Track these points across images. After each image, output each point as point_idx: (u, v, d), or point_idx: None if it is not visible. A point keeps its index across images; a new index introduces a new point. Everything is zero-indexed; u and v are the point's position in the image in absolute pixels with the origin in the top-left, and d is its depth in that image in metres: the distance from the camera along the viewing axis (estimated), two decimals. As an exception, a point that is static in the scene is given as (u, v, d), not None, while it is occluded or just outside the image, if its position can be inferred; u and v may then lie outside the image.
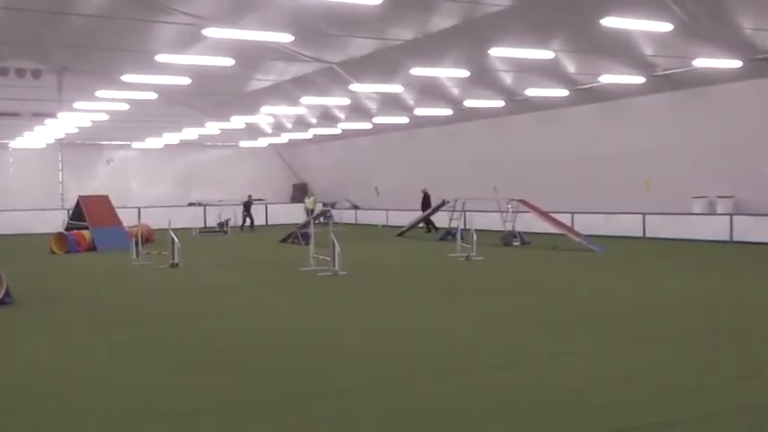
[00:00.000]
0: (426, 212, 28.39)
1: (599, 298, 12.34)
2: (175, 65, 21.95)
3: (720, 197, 23.13)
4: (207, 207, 38.24)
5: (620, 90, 24.47)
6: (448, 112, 29.94)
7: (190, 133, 38.08)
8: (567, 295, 12.67)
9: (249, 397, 6.71)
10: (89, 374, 7.70)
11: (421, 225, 29.09)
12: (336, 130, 37.18)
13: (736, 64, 19.93)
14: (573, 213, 26.03)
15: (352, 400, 6.62)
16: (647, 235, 24.56)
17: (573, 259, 18.65)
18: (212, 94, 32.05)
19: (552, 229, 22.86)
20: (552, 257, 19.32)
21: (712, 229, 22.73)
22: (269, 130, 41.48)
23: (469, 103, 27.81)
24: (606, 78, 22.82)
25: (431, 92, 28.27)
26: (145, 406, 6.52)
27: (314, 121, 37.07)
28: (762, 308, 11.15)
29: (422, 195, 30.47)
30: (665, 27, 16.74)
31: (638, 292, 12.82)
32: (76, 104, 29.30)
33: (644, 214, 24.86)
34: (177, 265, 17.95)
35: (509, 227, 23.61)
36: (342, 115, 34.92)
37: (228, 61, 20.43)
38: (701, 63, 20.01)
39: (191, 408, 6.45)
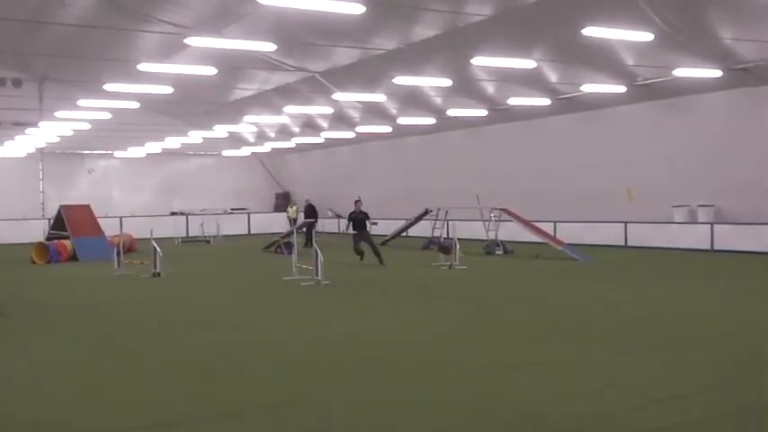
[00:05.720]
0: (409, 223, 28.35)
1: (578, 306, 12.38)
2: (158, 74, 21.86)
3: (701, 206, 23.31)
4: (189, 216, 38.07)
5: (602, 99, 24.64)
6: (431, 121, 30.01)
7: (172, 142, 37.91)
8: (546, 304, 12.71)
9: (226, 407, 6.67)
10: (67, 385, 7.64)
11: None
12: (319, 139, 37.16)
13: (715, 74, 20.12)
14: (555, 222, 26.13)
15: (327, 409, 6.61)
16: (629, 244, 24.69)
17: (555, 268, 18.72)
18: (195, 103, 31.95)
19: (535, 238, 22.94)
20: (535, 266, 19.37)
21: (693, 237, 22.90)
22: (252, 139, 41.40)
23: (452, 112, 27.89)
24: (588, 88, 22.97)
25: (414, 101, 28.33)
26: (123, 417, 6.46)
27: (297, 130, 37.03)
28: (736, 317, 11.24)
29: (305, 207, 29.66)
30: (646, 37, 16.86)
31: (617, 301, 12.89)
32: (58, 113, 29.12)
33: (626, 223, 25.00)
34: (159, 274, 17.85)
35: (492, 236, 23.66)
36: (325, 124, 34.92)
37: (211, 70, 20.39)
38: (681, 73, 20.18)
39: (168, 419, 6.41)
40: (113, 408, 6.73)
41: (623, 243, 24.88)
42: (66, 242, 23.70)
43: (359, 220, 20.16)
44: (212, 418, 6.36)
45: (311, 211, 29.12)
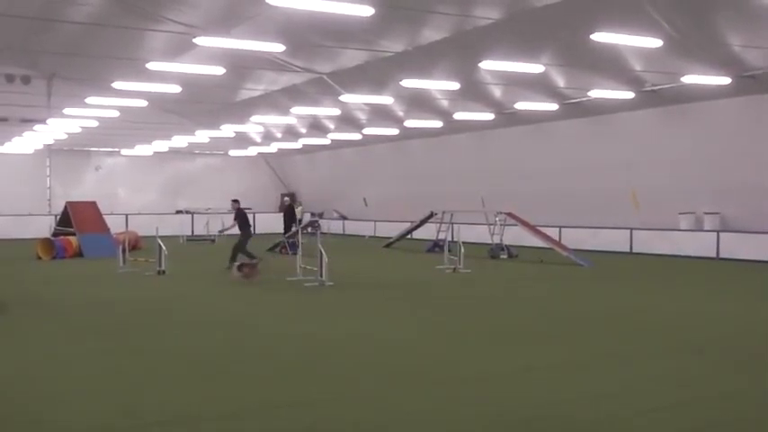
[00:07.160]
0: (413, 225, 28.31)
1: (580, 312, 12.36)
2: (166, 73, 21.92)
3: (707, 213, 23.25)
4: (194, 215, 38.16)
5: (609, 105, 24.61)
6: (438, 124, 30.01)
7: (179, 141, 38.02)
8: (549, 309, 12.69)
9: (226, 407, 6.67)
10: (68, 383, 7.64)
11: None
12: (326, 141, 37.19)
13: (724, 81, 20.05)
14: (560, 227, 26.11)
15: (327, 411, 6.59)
16: (635, 250, 24.64)
17: (559, 273, 18.69)
18: (202, 103, 32.04)
19: (540, 243, 22.92)
20: (539, 271, 19.35)
21: (699, 245, 22.83)
22: (258, 140, 41.47)
23: (459, 115, 27.87)
24: (595, 93, 22.95)
25: (421, 104, 28.33)
26: (123, 416, 6.45)
27: (303, 131, 37.08)
28: (740, 325, 11.20)
29: (284, 207, 29.20)
30: (655, 43, 16.85)
31: (620, 307, 12.86)
32: (66, 110, 29.22)
33: (631, 229, 24.95)
34: (164, 272, 17.89)
35: (497, 240, 23.65)
36: (331, 126, 34.96)
37: (219, 70, 20.44)
38: (689, 79, 20.15)
39: (167, 417, 6.40)
40: (113, 406, 6.72)
41: (628, 249, 24.83)
42: (72, 238, 23.77)
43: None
44: (212, 418, 6.35)
45: (290, 214, 28.94)
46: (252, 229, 19.87)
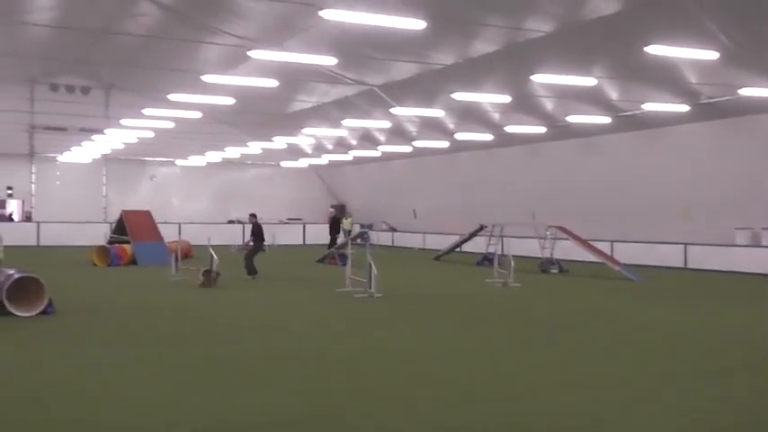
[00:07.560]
0: (463, 238, 28.20)
1: (629, 328, 12.12)
2: (221, 85, 22.28)
3: (765, 229, 22.66)
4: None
5: (664, 118, 24.20)
6: (489, 137, 29.88)
7: (232, 152, 38.57)
8: (599, 325, 12.51)
9: (255, 417, 6.69)
10: (111, 389, 7.74)
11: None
12: (377, 153, 37.31)
13: (784, 94, 19.59)
14: (613, 242, 25.73)
15: (366, 424, 6.57)
16: (689, 266, 24.15)
17: (611, 288, 18.41)
18: (255, 114, 32.44)
19: (591, 258, 22.61)
20: (590, 286, 19.09)
21: (757, 261, 22.25)
22: (309, 151, 41.82)
23: (511, 128, 27.71)
24: (649, 106, 22.61)
25: (472, 116, 28.26)
26: (163, 423, 6.53)
27: (354, 143, 37.28)
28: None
29: (329, 217, 29.65)
30: (711, 55, 16.54)
31: (672, 324, 12.59)
32: (123, 121, 29.88)
33: (686, 244, 24.46)
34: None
35: (547, 254, 23.41)
36: (382, 138, 35.07)
37: (273, 83, 20.70)
38: (746, 92, 19.71)
39: (197, 428, 6.40)
40: (159, 411, 6.82)
41: (683, 264, 24.35)
42: (127, 246, 24.25)
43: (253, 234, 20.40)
44: (250, 426, 6.40)
45: (335, 224, 29.32)
46: (263, 243, 20.78)
